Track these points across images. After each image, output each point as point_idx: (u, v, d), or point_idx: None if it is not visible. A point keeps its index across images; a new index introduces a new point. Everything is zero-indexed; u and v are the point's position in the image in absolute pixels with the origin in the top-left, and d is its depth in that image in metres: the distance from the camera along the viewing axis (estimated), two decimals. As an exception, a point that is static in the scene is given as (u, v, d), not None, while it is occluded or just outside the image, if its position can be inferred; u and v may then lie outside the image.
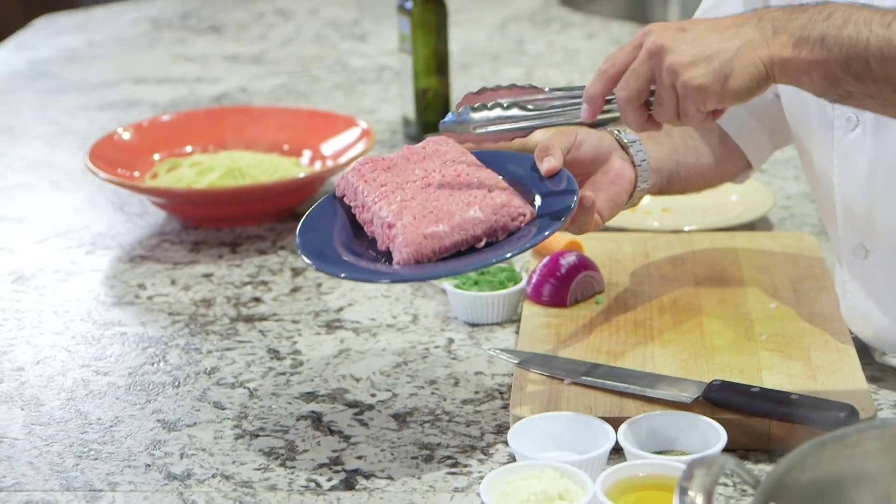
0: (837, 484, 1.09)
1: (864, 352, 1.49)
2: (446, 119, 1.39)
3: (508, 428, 1.35)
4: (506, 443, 1.34)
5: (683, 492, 1.01)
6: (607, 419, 1.31)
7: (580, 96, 1.33)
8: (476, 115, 1.37)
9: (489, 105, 1.37)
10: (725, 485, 1.27)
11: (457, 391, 1.47)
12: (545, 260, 1.63)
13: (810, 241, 1.71)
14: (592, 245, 1.71)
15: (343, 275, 1.35)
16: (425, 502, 1.28)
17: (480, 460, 1.34)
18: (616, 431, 1.29)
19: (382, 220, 1.36)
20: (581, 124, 1.35)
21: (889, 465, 1.10)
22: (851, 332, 1.49)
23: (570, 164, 1.42)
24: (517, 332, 1.57)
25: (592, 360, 1.45)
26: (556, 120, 1.36)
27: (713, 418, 1.30)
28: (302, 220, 1.41)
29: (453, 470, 1.33)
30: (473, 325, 1.62)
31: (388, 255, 1.36)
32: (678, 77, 1.25)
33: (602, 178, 1.45)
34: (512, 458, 1.32)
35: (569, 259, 1.62)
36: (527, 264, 1.71)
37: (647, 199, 2.03)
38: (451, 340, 1.59)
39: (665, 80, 1.26)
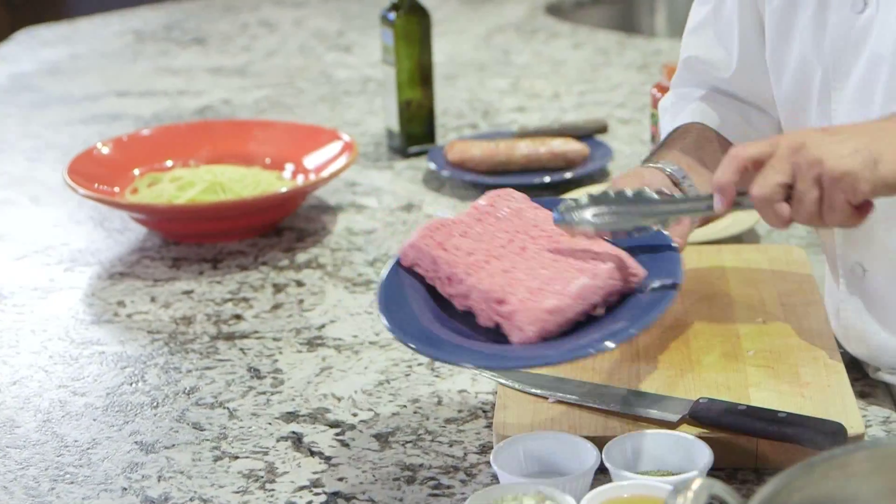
0: (826, 506, 1.07)
1: (853, 367, 1.47)
2: (563, 210, 1.31)
3: (492, 447, 1.32)
4: (489, 463, 1.31)
5: (668, 515, 0.99)
6: (592, 439, 1.29)
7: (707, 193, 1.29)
8: (596, 208, 1.31)
9: (613, 194, 1.31)
10: (713, 505, 1.25)
11: (440, 410, 1.45)
12: (530, 275, 1.60)
13: (798, 254, 1.69)
14: (578, 259, 1.68)
15: (484, 364, 1.26)
16: (407, 525, 1.25)
17: (463, 481, 1.32)
18: (601, 451, 1.26)
19: (488, 294, 1.26)
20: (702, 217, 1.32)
21: (878, 487, 1.08)
22: (844, 349, 1.47)
23: None
24: (501, 349, 1.55)
25: (577, 377, 1.42)
26: (682, 207, 1.31)
27: (700, 437, 1.28)
28: (380, 302, 1.30)
29: (436, 491, 1.30)
30: (457, 341, 1.59)
31: (487, 331, 1.27)
32: (823, 165, 1.20)
33: None
34: (495, 479, 1.29)
35: (554, 274, 1.59)
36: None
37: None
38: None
39: (809, 173, 1.21)
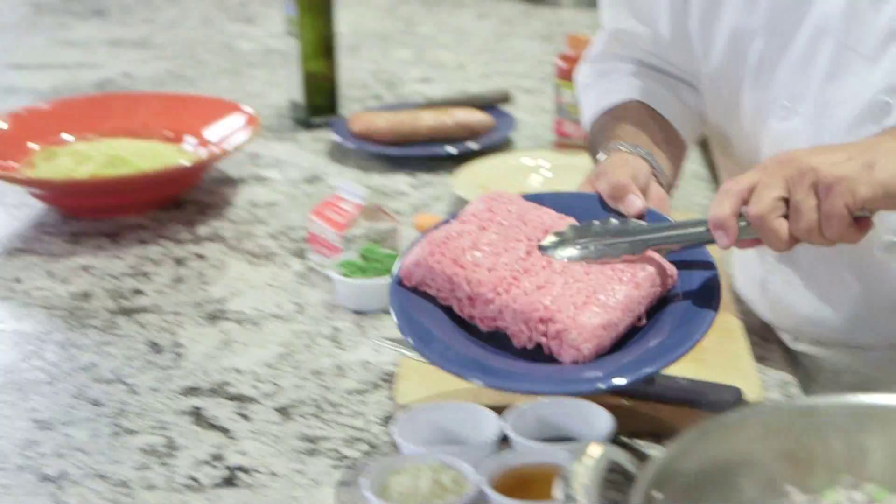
0: (722, 470, 1.08)
1: (752, 332, 1.48)
2: (546, 246, 1.25)
3: (394, 418, 1.32)
4: (391, 433, 1.31)
5: (566, 481, 0.99)
6: (494, 408, 1.28)
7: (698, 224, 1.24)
8: (581, 241, 1.25)
9: (599, 224, 1.25)
10: (613, 471, 1.25)
11: (342, 381, 1.44)
12: (432, 245, 1.60)
13: (698, 221, 1.70)
14: (480, 229, 1.68)
15: (571, 389, 1.18)
16: (308, 497, 1.24)
17: (365, 452, 1.31)
18: (502, 420, 1.26)
19: (528, 314, 1.19)
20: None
21: (773, 450, 1.09)
22: (747, 317, 1.48)
23: None
24: (404, 320, 1.54)
25: (480, 346, 1.42)
26: (674, 235, 1.24)
27: (601, 404, 1.28)
28: (407, 333, 1.21)
29: (338, 463, 1.30)
30: (360, 312, 1.59)
31: (522, 351, 1.21)
32: (818, 171, 1.16)
33: (650, 204, 1.35)
34: (397, 449, 1.29)
35: (456, 244, 1.59)
36: (414, 250, 1.69)
37: (535, 180, 2.02)
38: (336, 329, 1.56)
39: (803, 181, 1.17)
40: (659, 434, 1.31)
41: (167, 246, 1.81)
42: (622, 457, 1.04)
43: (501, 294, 1.20)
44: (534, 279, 1.21)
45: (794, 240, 1.19)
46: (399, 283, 1.25)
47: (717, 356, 1.38)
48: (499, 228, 1.26)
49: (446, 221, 1.30)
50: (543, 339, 1.19)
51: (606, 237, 1.25)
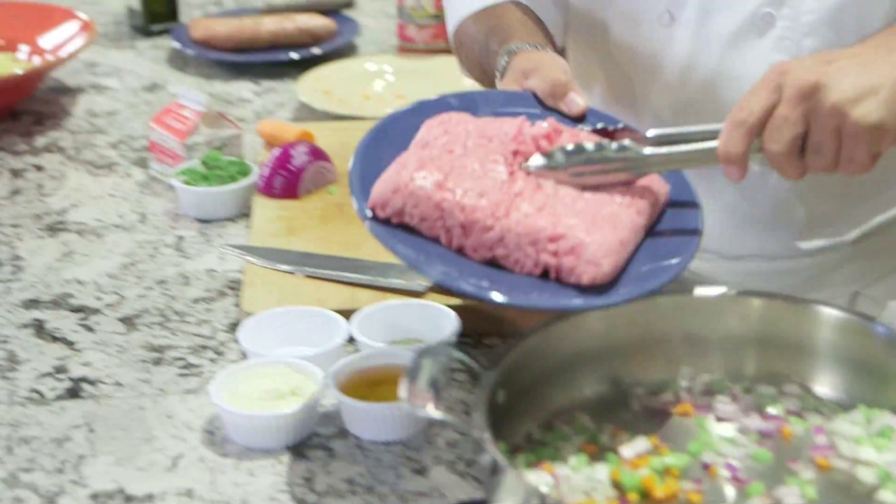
0: (566, 367, 1.10)
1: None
2: (535, 162, 1.13)
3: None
4: (238, 340, 1.30)
5: (411, 380, 1.00)
6: (341, 312, 1.29)
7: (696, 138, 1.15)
8: (575, 159, 1.13)
9: (594, 147, 1.14)
10: (459, 370, 1.27)
11: (187, 290, 1.43)
12: (276, 152, 1.59)
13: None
14: (324, 135, 1.68)
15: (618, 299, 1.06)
16: (155, 406, 1.23)
17: (212, 360, 1.30)
18: (350, 323, 1.26)
19: (535, 235, 1.07)
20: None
21: (614, 346, 1.11)
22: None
23: None
24: (249, 227, 1.53)
25: (326, 252, 1.42)
26: (676, 158, 1.14)
27: (446, 305, 1.29)
28: (436, 275, 1.07)
29: (184, 371, 1.29)
30: (204, 221, 1.57)
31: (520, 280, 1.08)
32: (847, 118, 1.08)
33: None
34: (245, 356, 1.28)
35: (300, 150, 1.58)
36: (257, 156, 1.67)
37: (379, 85, 2.02)
38: (181, 238, 1.54)
39: (828, 123, 1.09)
40: (504, 333, 1.32)
41: (3, 157, 1.76)
42: (465, 356, 1.05)
43: (501, 219, 1.08)
44: (531, 202, 1.10)
45: (806, 170, 1.13)
46: (371, 216, 1.11)
47: (560, 256, 1.40)
48: (465, 150, 1.13)
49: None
50: (553, 260, 1.07)
51: (601, 158, 1.14)
